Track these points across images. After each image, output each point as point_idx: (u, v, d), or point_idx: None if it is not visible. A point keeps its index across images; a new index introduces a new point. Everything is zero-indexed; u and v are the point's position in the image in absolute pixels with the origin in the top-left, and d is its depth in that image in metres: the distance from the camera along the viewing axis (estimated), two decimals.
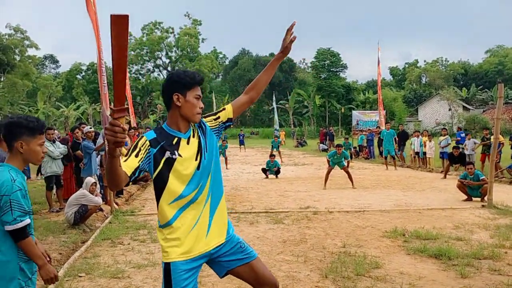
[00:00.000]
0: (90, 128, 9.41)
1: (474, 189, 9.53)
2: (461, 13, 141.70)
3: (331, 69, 56.00)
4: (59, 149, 8.73)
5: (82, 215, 7.04)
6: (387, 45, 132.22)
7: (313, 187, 12.29)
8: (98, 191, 7.88)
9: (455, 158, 13.85)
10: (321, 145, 29.10)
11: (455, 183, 10.25)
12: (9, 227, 2.37)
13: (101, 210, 8.13)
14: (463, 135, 18.01)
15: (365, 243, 6.13)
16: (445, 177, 13.71)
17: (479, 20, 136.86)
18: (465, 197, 9.65)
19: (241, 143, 31.23)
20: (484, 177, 9.51)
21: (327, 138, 29.09)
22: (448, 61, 77.93)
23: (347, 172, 12.08)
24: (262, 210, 8.67)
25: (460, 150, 14.12)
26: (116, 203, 8.54)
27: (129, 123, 15.03)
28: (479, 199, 9.39)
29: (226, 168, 18.23)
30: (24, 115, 2.55)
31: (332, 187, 12.09)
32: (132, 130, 13.79)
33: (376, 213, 8.33)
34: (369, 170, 16.74)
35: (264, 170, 14.76)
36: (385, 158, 17.45)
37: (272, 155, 15.11)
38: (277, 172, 14.62)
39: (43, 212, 8.53)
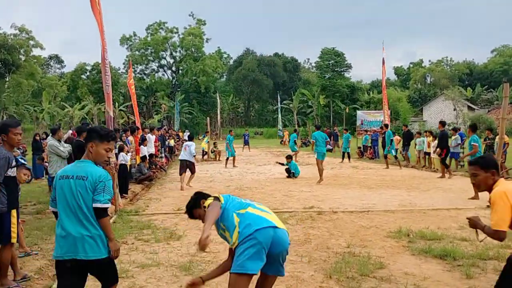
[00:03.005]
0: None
1: None
2: (466, 12, 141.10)
3: (336, 69, 55.92)
4: (65, 148, 8.76)
5: None
6: (391, 45, 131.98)
7: (317, 187, 12.26)
8: None
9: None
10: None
11: (460, 183, 10.20)
12: (98, 205, 3.19)
13: None
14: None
15: (369, 243, 6.11)
16: (443, 176, 13.62)
17: (484, 19, 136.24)
18: (473, 194, 9.59)
19: (246, 143, 31.22)
20: None
21: (332, 138, 28.97)
22: (453, 61, 77.69)
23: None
24: None
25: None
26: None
27: (133, 123, 15.06)
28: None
29: (234, 166, 18.41)
30: (99, 125, 3.51)
31: (336, 187, 12.06)
32: (136, 130, 13.85)
33: (381, 213, 8.30)
34: (373, 170, 16.70)
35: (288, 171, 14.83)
36: (385, 156, 17.92)
37: (289, 156, 15.24)
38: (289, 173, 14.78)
39: (47, 212, 8.56)
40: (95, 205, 3.19)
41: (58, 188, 3.30)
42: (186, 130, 39.19)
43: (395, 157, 17.74)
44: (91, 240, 3.18)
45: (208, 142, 23.81)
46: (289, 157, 15.19)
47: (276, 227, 3.28)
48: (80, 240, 3.16)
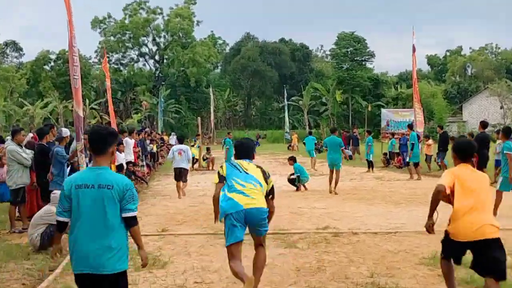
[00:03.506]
0: (67, 131, 9.47)
1: None
2: None
3: (355, 58, 56.16)
4: (28, 155, 8.77)
5: (50, 237, 7.04)
6: (424, 29, 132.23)
7: (333, 202, 12.24)
8: None
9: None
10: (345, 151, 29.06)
11: (510, 199, 10.15)
12: (130, 214, 3.73)
13: None
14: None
15: (397, 272, 6.09)
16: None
17: None
18: None
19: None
20: None
21: (351, 143, 28.89)
22: (499, 48, 77.81)
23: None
24: (270, 231, 8.63)
25: None
26: None
27: (108, 124, 15.13)
28: None
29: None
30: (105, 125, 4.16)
31: (356, 203, 12.05)
32: None
33: (411, 234, 8.28)
34: (402, 182, 16.69)
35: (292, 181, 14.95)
36: (407, 164, 18.25)
37: (292, 158, 15.59)
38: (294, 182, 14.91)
39: (2, 233, 8.56)
40: (126, 214, 3.73)
41: (75, 198, 3.70)
42: (173, 133, 39.28)
43: (407, 163, 17.81)
44: (115, 252, 3.67)
45: (199, 147, 23.84)
46: (292, 159, 15.46)
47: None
48: (103, 253, 3.64)
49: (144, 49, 69.03)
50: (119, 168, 13.67)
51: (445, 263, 4.94)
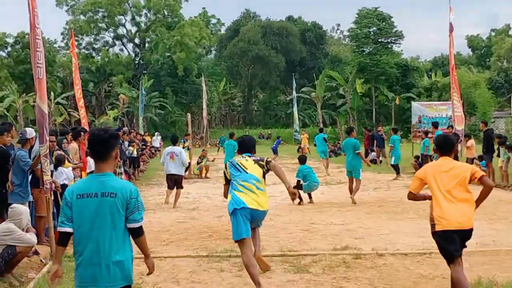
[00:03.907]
0: (32, 131, 9.47)
1: None
2: None
3: (380, 40, 56.04)
4: None
5: (8, 260, 7.05)
6: (463, 4, 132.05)
7: (353, 217, 12.25)
8: (29, 224, 7.89)
9: None
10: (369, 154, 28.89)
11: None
12: (136, 224, 4.15)
13: (36, 253, 8.14)
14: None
15: None
16: None
17: None
18: None
19: (275, 150, 32.44)
20: None
21: (375, 144, 28.85)
22: None
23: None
24: (277, 253, 8.65)
25: None
26: (36, 253, 8.49)
27: (77, 122, 15.23)
28: None
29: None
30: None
31: (382, 217, 12.02)
32: (82, 134, 13.87)
33: None
34: None
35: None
36: None
37: (302, 159, 15.83)
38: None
39: None
40: (132, 225, 4.14)
41: (76, 208, 4.10)
42: (157, 133, 39.26)
43: None
44: (120, 266, 4.09)
45: (189, 149, 23.83)
46: (301, 159, 15.63)
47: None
48: (108, 267, 4.04)
49: (121, 31, 69.18)
50: None
51: (455, 270, 5.87)
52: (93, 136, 4.35)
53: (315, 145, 26.35)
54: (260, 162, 7.13)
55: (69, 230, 4.16)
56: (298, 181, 14.68)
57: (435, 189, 5.90)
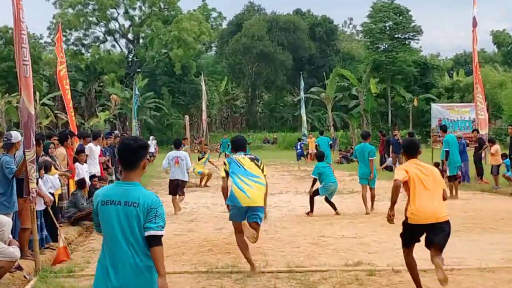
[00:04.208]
0: (17, 135, 9.43)
1: None
2: None
3: (396, 36, 56.03)
4: None
5: None
6: None
7: (367, 229, 12.21)
8: (10, 237, 7.86)
9: None
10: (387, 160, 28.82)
11: None
12: (150, 232, 4.39)
13: (19, 268, 8.12)
14: None
15: None
16: None
17: None
18: None
19: (300, 156, 32.89)
20: None
21: (391, 150, 28.81)
22: None
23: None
24: (283, 268, 8.62)
25: None
26: (19, 268, 8.46)
27: (65, 125, 15.25)
28: None
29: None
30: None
31: (399, 230, 11.95)
32: (69, 138, 13.88)
33: (474, 272, 8.28)
34: (461, 201, 16.65)
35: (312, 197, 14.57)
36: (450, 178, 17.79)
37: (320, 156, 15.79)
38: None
39: None
40: (148, 233, 4.40)
41: (102, 215, 4.51)
42: (151, 137, 39.36)
43: (451, 178, 17.57)
44: (143, 275, 4.42)
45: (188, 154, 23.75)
46: (320, 157, 15.44)
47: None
48: (131, 276, 4.39)
49: (113, 25, 69.42)
50: (80, 184, 13.66)
51: (407, 254, 7.53)
52: (123, 145, 4.73)
53: (316, 149, 26.34)
54: (256, 161, 8.64)
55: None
56: (314, 180, 14.52)
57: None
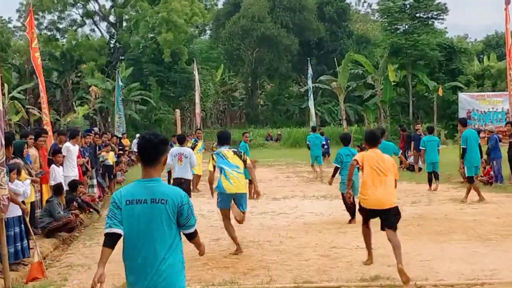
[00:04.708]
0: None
1: None
2: None
3: (418, 15, 55.84)
4: None
5: None
6: None
7: (385, 238, 12.09)
8: None
9: None
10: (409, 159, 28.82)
11: None
12: (192, 230, 5.24)
13: None
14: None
15: None
16: None
17: None
18: None
19: (324, 155, 31.42)
20: None
21: (412, 147, 28.80)
22: None
23: None
24: (289, 285, 8.66)
25: None
26: None
27: (38, 122, 15.30)
28: None
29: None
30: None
31: (423, 239, 12.01)
32: (44, 136, 13.92)
33: (508, 287, 8.32)
34: (493, 205, 16.66)
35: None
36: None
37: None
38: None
39: None
40: (188, 231, 5.19)
41: (126, 215, 4.94)
42: (138, 135, 39.23)
43: (469, 179, 17.59)
44: (173, 269, 4.98)
45: None
46: (345, 140, 15.23)
47: None
48: (162, 272, 4.90)
49: (93, 6, 69.44)
50: (57, 189, 13.70)
51: (365, 227, 10.03)
52: (144, 140, 5.12)
53: (308, 147, 26.08)
54: (238, 154, 11.17)
55: (120, 231, 4.94)
56: (336, 168, 14.30)
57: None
